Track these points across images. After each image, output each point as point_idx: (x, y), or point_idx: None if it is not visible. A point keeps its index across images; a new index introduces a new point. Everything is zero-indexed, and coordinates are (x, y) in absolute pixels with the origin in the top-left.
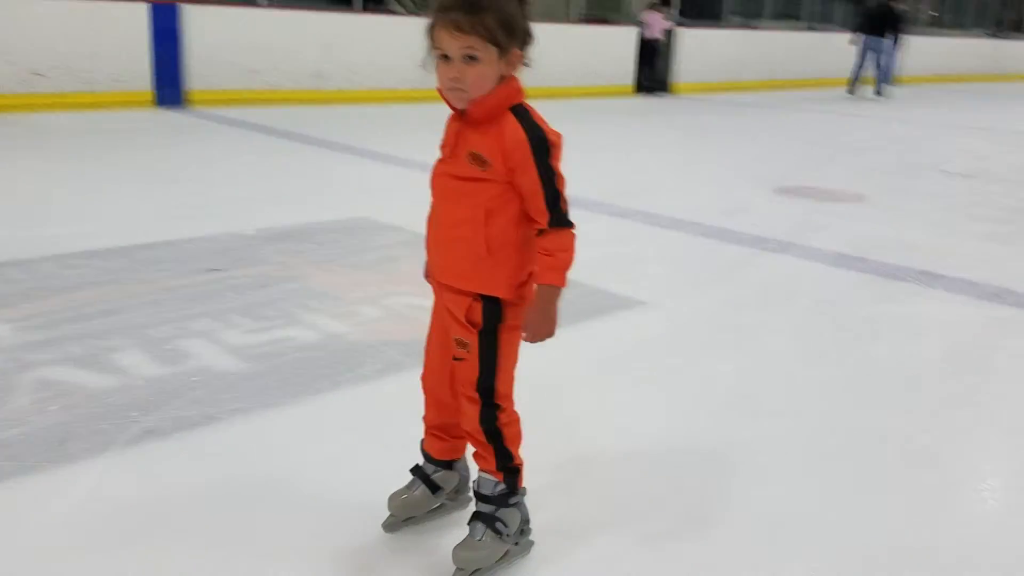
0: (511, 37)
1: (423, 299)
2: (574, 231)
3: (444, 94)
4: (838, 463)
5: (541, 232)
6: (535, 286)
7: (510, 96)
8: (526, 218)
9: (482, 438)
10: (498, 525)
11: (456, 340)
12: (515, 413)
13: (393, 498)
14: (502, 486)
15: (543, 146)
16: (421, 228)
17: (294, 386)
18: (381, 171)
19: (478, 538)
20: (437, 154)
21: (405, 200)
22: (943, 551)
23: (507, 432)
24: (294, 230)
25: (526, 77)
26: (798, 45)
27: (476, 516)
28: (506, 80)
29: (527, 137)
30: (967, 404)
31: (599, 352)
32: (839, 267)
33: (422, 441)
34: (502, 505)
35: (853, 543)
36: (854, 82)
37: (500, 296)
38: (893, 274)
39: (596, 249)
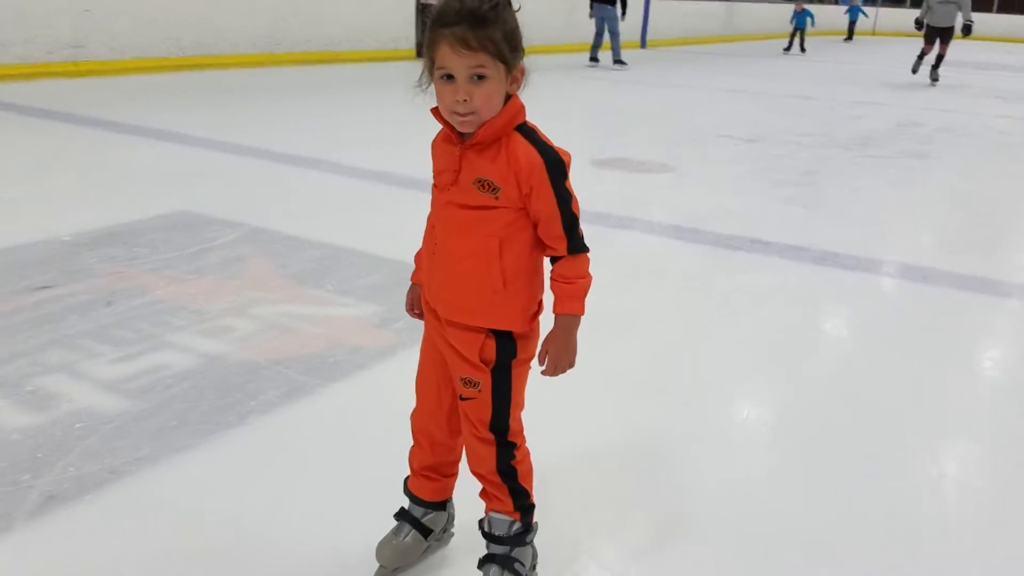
0: (515, 52)
1: (294, 305)
2: (589, 255)
3: (446, 118)
4: (769, 445)
5: (556, 259)
6: (555, 316)
7: (516, 115)
8: (538, 244)
9: (497, 479)
10: (516, 566)
11: (464, 379)
12: (526, 448)
13: (382, 547)
14: (518, 525)
15: (559, 168)
16: (252, 219)
17: (197, 424)
18: (176, 152)
19: None
20: (231, 130)
21: (218, 186)
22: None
23: (521, 469)
24: (114, 232)
25: (277, 44)
26: (557, 10)
27: (490, 559)
28: (511, 98)
29: (543, 160)
30: (850, 370)
31: None
32: (682, 240)
33: (407, 482)
34: (518, 544)
35: (821, 523)
36: (595, 49)
37: (515, 330)
38: (729, 244)
39: None
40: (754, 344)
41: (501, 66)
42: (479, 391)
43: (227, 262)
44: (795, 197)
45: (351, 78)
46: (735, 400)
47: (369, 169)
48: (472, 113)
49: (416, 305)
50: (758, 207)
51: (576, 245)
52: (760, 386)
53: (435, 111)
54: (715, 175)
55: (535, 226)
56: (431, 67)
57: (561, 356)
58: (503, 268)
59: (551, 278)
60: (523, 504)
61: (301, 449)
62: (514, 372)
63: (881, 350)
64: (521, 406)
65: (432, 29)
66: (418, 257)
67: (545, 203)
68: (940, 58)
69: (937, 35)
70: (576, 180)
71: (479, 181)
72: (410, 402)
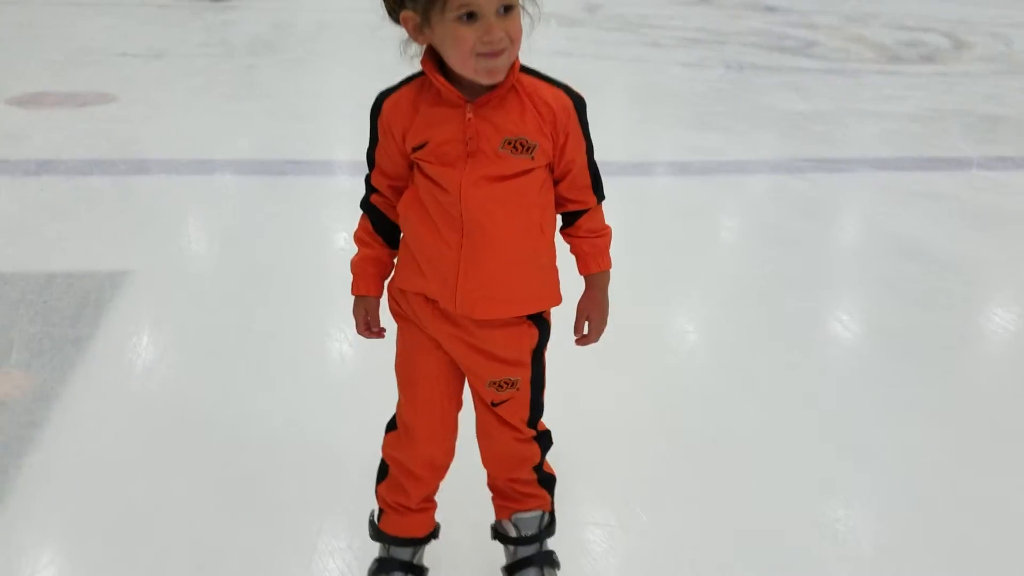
0: None
1: None
2: None
3: (466, 69)
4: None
5: (573, 214)
6: (587, 277)
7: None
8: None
9: (533, 476)
10: (555, 557)
11: (499, 383)
12: None
13: None
14: (547, 516)
15: (584, 108)
16: None
17: None
18: None
19: None
20: None
21: None
22: None
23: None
24: None
25: None
26: None
27: (525, 563)
28: None
29: (571, 101)
30: None
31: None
32: (251, 174)
33: (389, 526)
34: (549, 535)
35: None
36: None
37: (555, 306)
38: (292, 170)
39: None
40: None
41: None
42: (518, 389)
43: None
44: (273, 107)
45: None
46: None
47: None
48: (505, 52)
49: (374, 322)
50: (252, 117)
51: (602, 193)
52: None
53: (430, 66)
54: (169, 98)
55: (556, 181)
56: (440, 9)
57: (604, 320)
58: (547, 239)
59: (574, 236)
60: (553, 489)
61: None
62: (544, 355)
63: None
64: None
65: None
66: (362, 263)
67: (578, 152)
68: None
69: None
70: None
71: (509, 143)
72: (145, 433)
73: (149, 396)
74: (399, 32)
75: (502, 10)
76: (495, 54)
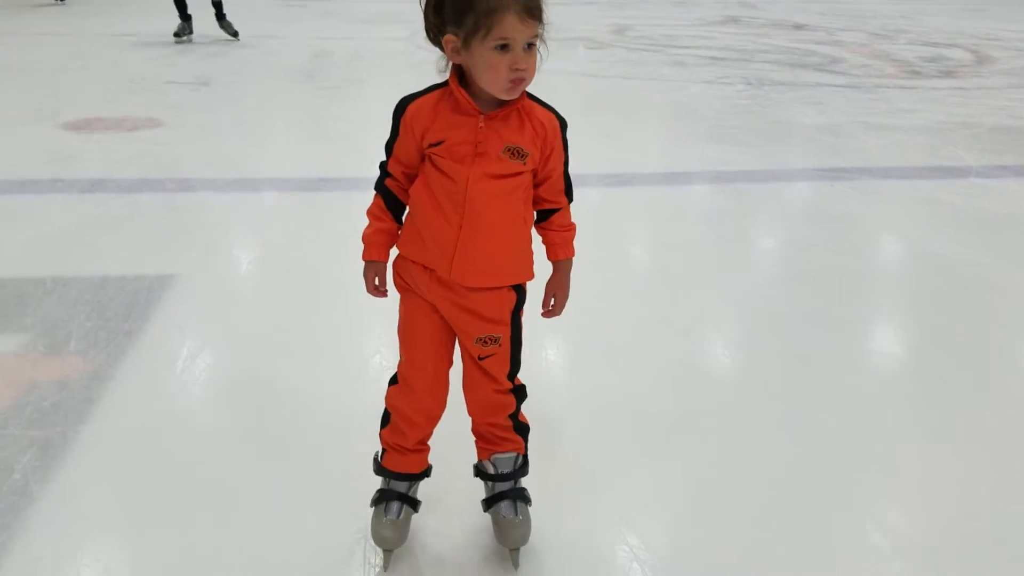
0: None
1: None
2: None
3: (495, 88)
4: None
5: (548, 211)
6: (556, 263)
7: None
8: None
9: (508, 422)
10: (526, 493)
11: (483, 339)
12: None
13: (381, 530)
14: (521, 458)
15: (566, 128)
16: None
17: None
18: None
19: (517, 513)
20: None
21: None
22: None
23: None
24: None
25: None
26: None
27: (500, 497)
28: None
29: (558, 121)
30: None
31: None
32: (288, 191)
33: (388, 463)
34: (523, 474)
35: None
36: None
37: (530, 279)
38: (326, 187)
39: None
40: None
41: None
42: (499, 346)
43: None
44: (310, 130)
45: None
46: None
47: None
48: (525, 81)
49: (382, 284)
50: (290, 139)
51: (572, 195)
52: None
53: (456, 82)
54: (213, 122)
55: (537, 184)
56: (482, 37)
57: (566, 297)
58: (527, 228)
59: (548, 229)
60: (527, 436)
61: (129, 504)
62: (521, 316)
63: None
64: None
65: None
66: (375, 235)
67: (558, 162)
68: (219, 5)
69: None
70: (71, 150)
71: (509, 149)
72: (188, 406)
73: (192, 376)
74: (427, 60)
75: (527, 46)
76: (521, 79)
